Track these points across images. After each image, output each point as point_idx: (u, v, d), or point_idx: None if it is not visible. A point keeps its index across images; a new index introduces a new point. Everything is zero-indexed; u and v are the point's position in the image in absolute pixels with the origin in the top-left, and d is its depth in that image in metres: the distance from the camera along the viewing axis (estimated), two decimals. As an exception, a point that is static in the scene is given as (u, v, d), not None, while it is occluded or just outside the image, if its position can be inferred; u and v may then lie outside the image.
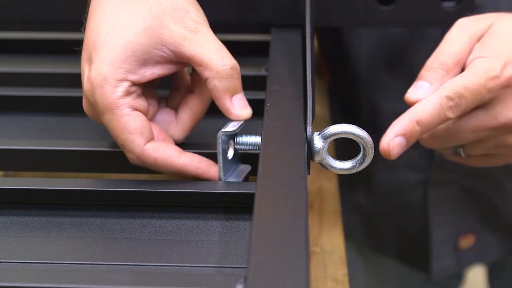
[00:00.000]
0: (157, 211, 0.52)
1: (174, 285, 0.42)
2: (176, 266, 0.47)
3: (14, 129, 0.64)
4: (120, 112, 0.51)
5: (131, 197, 0.52)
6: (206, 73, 0.53)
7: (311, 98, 0.54)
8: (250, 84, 0.65)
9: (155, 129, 0.54)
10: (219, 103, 0.54)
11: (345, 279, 0.60)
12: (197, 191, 0.52)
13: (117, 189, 0.52)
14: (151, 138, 0.52)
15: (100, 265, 0.47)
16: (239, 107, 0.53)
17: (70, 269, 0.47)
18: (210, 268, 0.47)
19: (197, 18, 0.53)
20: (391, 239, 0.95)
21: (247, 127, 0.54)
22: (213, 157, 0.55)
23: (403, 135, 0.53)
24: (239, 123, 0.53)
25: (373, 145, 0.53)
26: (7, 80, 0.69)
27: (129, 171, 0.59)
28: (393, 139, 0.53)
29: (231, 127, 0.53)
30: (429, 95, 0.55)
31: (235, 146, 0.54)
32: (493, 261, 0.96)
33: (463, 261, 0.92)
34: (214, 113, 0.57)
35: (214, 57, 0.52)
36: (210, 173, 0.54)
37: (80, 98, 0.66)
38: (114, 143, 0.58)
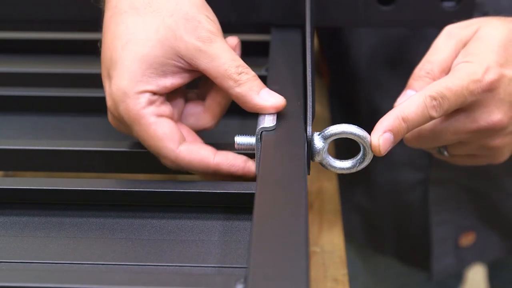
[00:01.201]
0: (157, 211, 0.52)
1: (174, 285, 0.42)
2: (176, 266, 0.47)
3: (14, 129, 0.64)
4: (146, 121, 0.51)
5: (131, 197, 0.52)
6: (225, 84, 0.53)
7: (311, 98, 0.54)
8: (250, 84, 0.65)
9: (184, 131, 0.55)
10: (249, 106, 0.53)
11: (345, 279, 0.60)
12: (197, 191, 0.52)
13: (117, 189, 0.52)
14: (182, 141, 0.53)
15: (100, 265, 0.47)
16: (271, 98, 0.53)
17: (70, 269, 0.47)
18: (210, 268, 0.47)
19: (210, 27, 0.53)
20: (391, 239, 0.95)
21: (246, 127, 0.54)
22: None
23: (391, 131, 0.54)
24: (274, 117, 0.53)
25: (373, 145, 0.53)
26: (7, 80, 0.69)
27: (129, 171, 0.59)
28: (382, 135, 0.53)
29: (268, 122, 0.52)
30: (414, 94, 0.56)
31: (235, 146, 0.54)
32: (493, 260, 0.96)
33: (463, 260, 0.92)
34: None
35: (229, 68, 0.53)
36: (245, 168, 0.54)
37: (80, 98, 0.66)
38: (115, 143, 0.58)
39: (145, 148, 0.54)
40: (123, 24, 0.53)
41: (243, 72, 0.53)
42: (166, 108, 0.53)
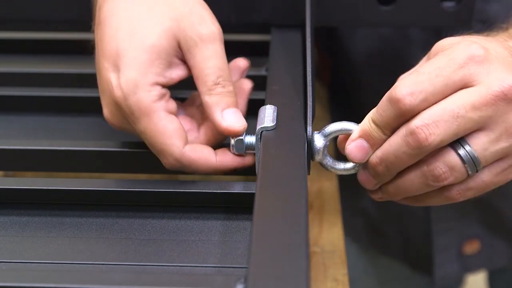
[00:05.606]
0: (157, 211, 0.52)
1: (174, 285, 0.42)
2: (176, 266, 0.47)
3: (14, 129, 0.64)
4: (157, 115, 0.51)
5: (131, 197, 0.52)
6: (200, 88, 0.53)
7: (311, 98, 0.54)
8: (250, 84, 0.65)
9: None
10: (210, 117, 0.53)
11: (345, 279, 0.60)
12: (197, 191, 0.52)
13: (117, 189, 0.52)
14: (187, 140, 0.53)
15: (100, 265, 0.47)
16: (229, 120, 0.53)
17: (70, 269, 0.47)
18: (210, 268, 0.47)
19: (213, 27, 0.53)
20: (395, 244, 0.95)
21: (247, 127, 0.54)
22: None
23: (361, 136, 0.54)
24: (274, 117, 0.53)
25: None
26: (7, 80, 0.69)
27: (129, 171, 0.59)
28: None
29: (268, 122, 0.52)
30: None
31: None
32: (500, 267, 0.96)
33: (468, 267, 0.92)
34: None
35: (210, 74, 0.53)
36: (245, 161, 0.54)
37: (80, 98, 0.66)
38: (114, 143, 0.58)
39: (145, 148, 0.53)
40: (126, 15, 0.53)
41: (219, 84, 0.53)
42: (173, 105, 0.53)
